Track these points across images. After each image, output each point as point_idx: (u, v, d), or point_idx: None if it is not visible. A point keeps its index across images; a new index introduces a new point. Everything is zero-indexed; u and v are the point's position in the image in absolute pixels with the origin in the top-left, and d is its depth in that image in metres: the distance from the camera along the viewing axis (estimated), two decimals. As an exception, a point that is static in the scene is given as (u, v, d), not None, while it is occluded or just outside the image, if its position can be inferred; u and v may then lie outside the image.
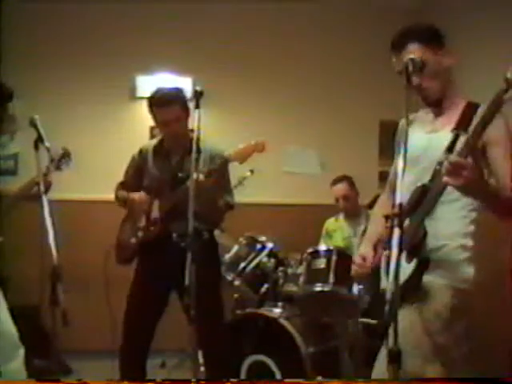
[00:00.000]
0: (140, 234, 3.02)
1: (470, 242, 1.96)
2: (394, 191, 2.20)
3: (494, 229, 1.95)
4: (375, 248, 2.23)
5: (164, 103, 2.90)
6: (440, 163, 1.85)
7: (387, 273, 2.09)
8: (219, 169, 2.85)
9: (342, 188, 4.15)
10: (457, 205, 1.97)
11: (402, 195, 1.66)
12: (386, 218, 1.78)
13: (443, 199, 1.94)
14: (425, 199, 1.95)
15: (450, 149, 1.93)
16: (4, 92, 2.43)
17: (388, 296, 1.55)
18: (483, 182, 1.75)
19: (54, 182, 2.73)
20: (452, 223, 1.97)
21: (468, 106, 1.99)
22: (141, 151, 3.13)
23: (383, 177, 5.09)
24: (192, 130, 2.96)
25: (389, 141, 5.22)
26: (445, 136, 1.98)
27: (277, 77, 5.01)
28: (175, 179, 2.92)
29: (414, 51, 1.95)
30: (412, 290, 1.91)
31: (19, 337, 2.40)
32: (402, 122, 2.12)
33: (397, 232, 1.58)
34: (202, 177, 2.64)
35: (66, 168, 2.87)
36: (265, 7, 4.83)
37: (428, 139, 2.05)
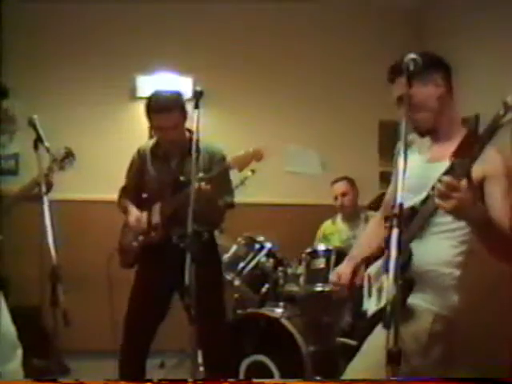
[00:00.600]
0: (141, 238, 3.01)
1: (457, 272, 1.95)
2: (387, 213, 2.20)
3: (483, 261, 1.94)
4: (356, 268, 2.23)
5: (163, 109, 2.84)
6: (434, 188, 1.83)
7: (369, 293, 2.10)
8: (219, 175, 2.82)
9: (341, 186, 4.17)
10: (448, 235, 1.96)
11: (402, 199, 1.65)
12: (386, 218, 1.77)
13: (435, 230, 1.94)
14: (413, 221, 1.93)
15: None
16: None
17: (389, 297, 1.55)
18: (476, 206, 1.73)
19: (54, 182, 2.73)
20: (441, 252, 1.96)
21: (468, 135, 1.95)
22: (139, 151, 3.11)
23: (383, 177, 5.10)
24: (190, 131, 2.97)
25: (389, 141, 5.27)
26: (444, 166, 1.94)
27: (277, 77, 5.01)
28: (177, 183, 2.90)
29: (401, 86, 1.90)
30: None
31: (20, 337, 2.41)
32: (399, 147, 2.11)
33: (395, 232, 1.58)
34: (203, 185, 2.63)
35: (70, 168, 2.85)
36: (265, 7, 4.83)
37: (427, 168, 2.02)
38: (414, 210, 1.94)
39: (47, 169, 2.70)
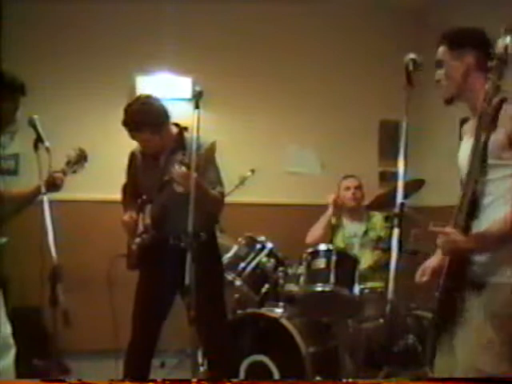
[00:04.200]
0: (138, 240, 3.02)
1: None
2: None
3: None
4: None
5: (132, 128, 2.86)
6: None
7: None
8: (203, 161, 2.65)
9: (354, 180, 4.19)
10: (501, 202, 1.95)
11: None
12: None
13: (486, 201, 1.95)
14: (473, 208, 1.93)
15: (473, 152, 1.92)
16: (15, 84, 2.43)
17: (389, 295, 1.55)
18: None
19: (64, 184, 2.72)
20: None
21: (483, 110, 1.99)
22: (132, 153, 3.13)
23: (383, 177, 5.11)
24: (178, 125, 2.97)
25: (389, 141, 5.27)
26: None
27: (277, 77, 5.01)
28: (162, 182, 2.89)
29: (440, 51, 2.12)
30: (477, 290, 1.94)
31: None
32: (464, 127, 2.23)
33: (396, 232, 1.58)
34: (183, 168, 2.60)
35: (81, 171, 2.83)
36: (265, 7, 4.83)
37: (468, 147, 2.04)
38: (474, 195, 1.93)
39: (61, 171, 2.68)
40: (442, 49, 2.13)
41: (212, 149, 2.64)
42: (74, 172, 2.77)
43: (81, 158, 2.81)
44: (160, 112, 2.91)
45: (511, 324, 1.93)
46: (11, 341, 2.37)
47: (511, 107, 1.87)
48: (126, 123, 2.87)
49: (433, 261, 2.26)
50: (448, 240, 1.88)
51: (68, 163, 2.74)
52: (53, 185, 2.58)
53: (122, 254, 3.09)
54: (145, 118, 2.85)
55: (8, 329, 2.36)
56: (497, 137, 1.85)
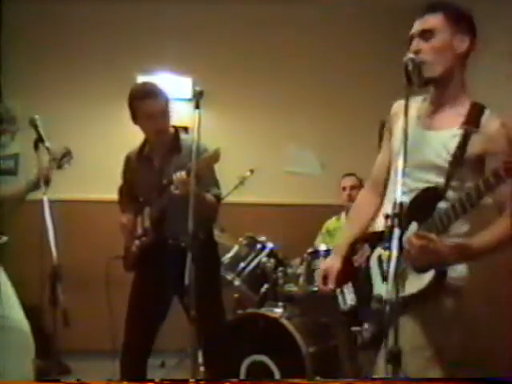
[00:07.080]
0: (137, 242, 3.02)
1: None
2: (378, 186, 2.20)
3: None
4: (346, 257, 2.14)
5: (151, 95, 2.83)
6: (450, 162, 1.85)
7: (382, 275, 2.01)
8: (201, 167, 2.57)
9: (351, 179, 4.19)
10: None
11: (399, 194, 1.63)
12: (386, 217, 1.76)
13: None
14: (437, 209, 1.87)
15: (461, 146, 1.87)
16: None
17: (388, 296, 1.54)
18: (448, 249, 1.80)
19: (54, 182, 2.73)
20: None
21: (474, 105, 1.93)
22: (127, 157, 3.13)
23: (383, 177, 5.11)
24: (175, 127, 2.97)
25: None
26: (446, 136, 1.92)
27: (277, 77, 5.01)
28: (160, 185, 2.87)
29: (434, 19, 1.95)
30: (427, 299, 1.89)
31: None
32: (395, 108, 2.14)
33: (397, 232, 1.57)
34: (183, 174, 2.60)
35: (68, 167, 2.85)
36: (264, 7, 4.83)
37: (424, 136, 1.97)
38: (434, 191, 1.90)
39: (46, 168, 2.69)
40: (437, 18, 1.93)
41: (215, 156, 2.61)
42: (60, 168, 2.80)
43: (65, 155, 2.83)
44: (167, 92, 2.93)
45: (440, 330, 1.90)
46: (31, 341, 2.34)
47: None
48: (145, 92, 2.85)
49: (334, 265, 2.15)
50: (429, 247, 1.79)
51: (53, 160, 2.74)
52: (45, 180, 2.59)
53: (118, 256, 3.10)
54: (157, 88, 2.89)
55: (20, 314, 2.34)
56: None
